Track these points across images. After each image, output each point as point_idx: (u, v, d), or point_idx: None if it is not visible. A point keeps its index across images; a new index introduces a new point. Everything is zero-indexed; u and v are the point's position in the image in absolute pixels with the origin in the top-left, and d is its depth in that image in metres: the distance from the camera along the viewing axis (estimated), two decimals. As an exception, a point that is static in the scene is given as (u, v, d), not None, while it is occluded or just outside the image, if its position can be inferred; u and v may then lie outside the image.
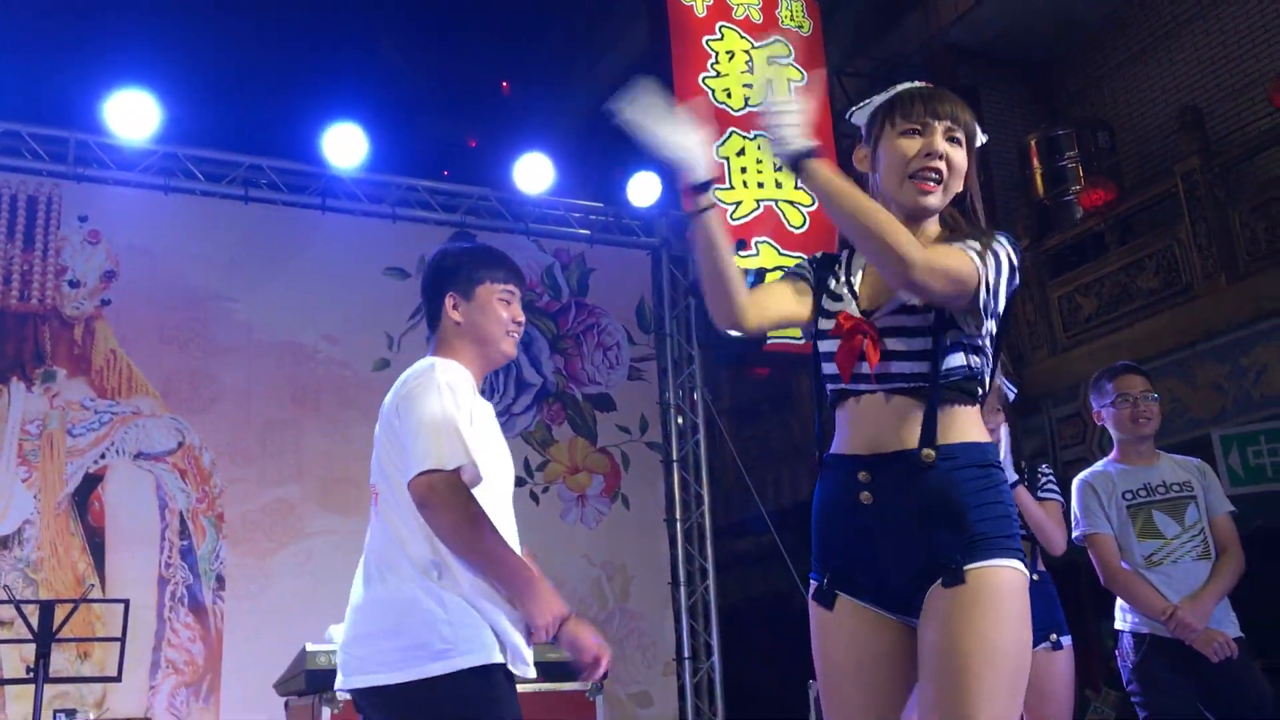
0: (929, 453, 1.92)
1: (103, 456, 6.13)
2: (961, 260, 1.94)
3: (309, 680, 3.74)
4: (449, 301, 2.54)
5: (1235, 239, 7.74)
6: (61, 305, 6.25)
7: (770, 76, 2.09)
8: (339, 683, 2.34)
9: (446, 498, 2.23)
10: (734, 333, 2.09)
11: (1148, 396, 3.68)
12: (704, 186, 1.99)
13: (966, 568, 1.87)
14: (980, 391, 2.02)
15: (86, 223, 6.40)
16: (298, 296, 6.79)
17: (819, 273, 2.16)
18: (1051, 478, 3.92)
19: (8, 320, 6.13)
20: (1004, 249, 2.00)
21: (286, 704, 4.33)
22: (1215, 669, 3.40)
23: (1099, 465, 3.80)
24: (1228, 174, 8.03)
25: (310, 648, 3.82)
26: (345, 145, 6.82)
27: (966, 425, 1.98)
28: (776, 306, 2.11)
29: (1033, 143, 9.90)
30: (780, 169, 1.99)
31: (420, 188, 7.31)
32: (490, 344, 2.55)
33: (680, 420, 7.71)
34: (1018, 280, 2.02)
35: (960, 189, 2.07)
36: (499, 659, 2.24)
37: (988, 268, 1.95)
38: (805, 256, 2.28)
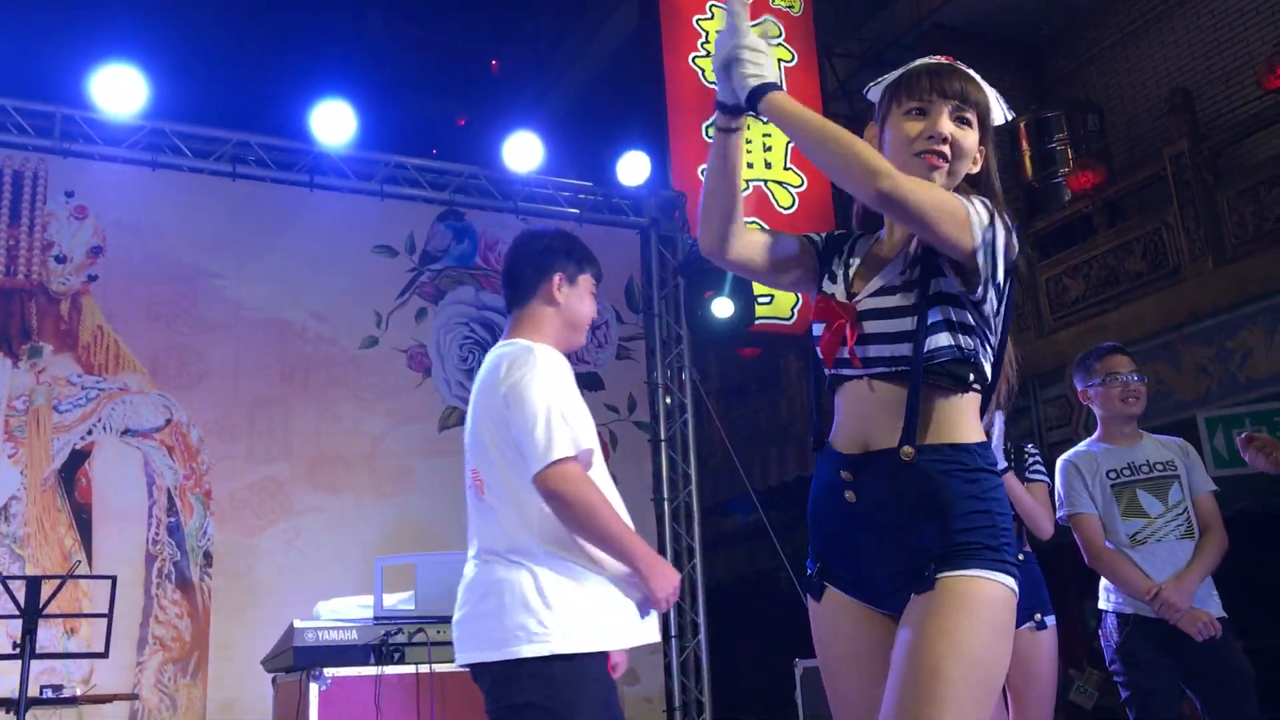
0: (908, 450, 1.83)
1: (90, 433, 6.11)
2: (943, 192, 1.85)
3: (297, 657, 3.75)
4: (557, 280, 2.65)
5: (1223, 222, 7.77)
6: (48, 280, 6.23)
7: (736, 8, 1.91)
8: (456, 658, 2.52)
9: (573, 488, 2.36)
10: (711, 257, 2.03)
11: (1136, 376, 3.70)
12: (746, 108, 1.91)
13: (940, 576, 1.78)
14: (974, 377, 1.89)
15: (73, 198, 6.37)
16: (286, 274, 6.77)
17: (827, 251, 2.08)
18: (1038, 459, 3.93)
19: (-7, 296, 6.11)
20: (999, 210, 1.90)
21: (274, 680, 4.34)
22: (1198, 649, 3.43)
23: (1082, 445, 3.82)
24: (1216, 157, 8.06)
25: (298, 624, 3.82)
26: (333, 122, 6.79)
27: (955, 420, 1.87)
28: (762, 251, 2.05)
29: (1022, 125, 9.91)
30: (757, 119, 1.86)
31: (409, 165, 7.27)
32: (578, 330, 2.70)
33: (668, 400, 7.72)
34: (1016, 248, 1.90)
35: (970, 172, 1.97)
36: (591, 648, 2.37)
37: (980, 213, 1.85)
38: (788, 234, 2.21)
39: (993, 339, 1.93)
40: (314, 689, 3.63)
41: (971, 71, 2.00)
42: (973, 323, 1.89)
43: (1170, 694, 3.50)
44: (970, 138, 1.95)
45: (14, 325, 6.10)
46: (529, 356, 2.48)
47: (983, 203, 1.88)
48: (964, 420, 1.88)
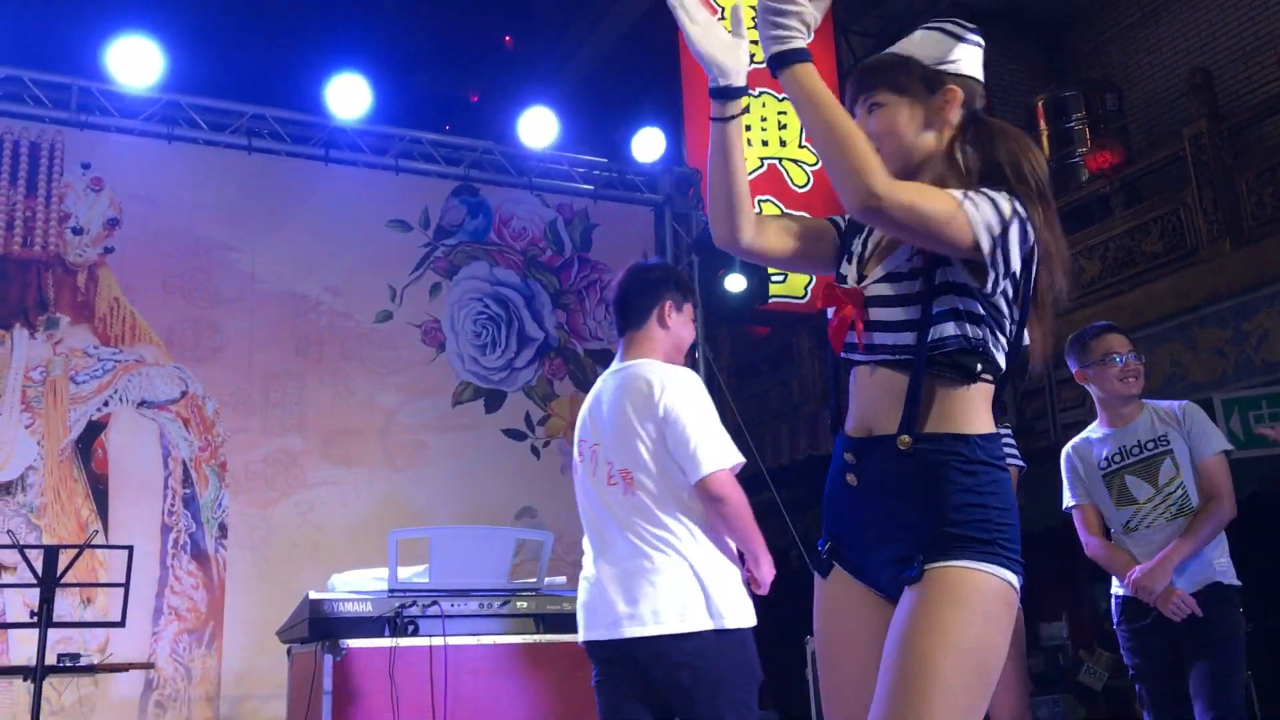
0: (905, 439, 1.82)
1: (106, 404, 6.15)
2: (935, 195, 1.79)
3: (312, 628, 3.77)
4: (668, 306, 3.01)
5: (1241, 204, 7.72)
6: (65, 252, 6.25)
7: None
8: (599, 634, 2.83)
9: (733, 492, 2.81)
10: (726, 249, 2.00)
11: (1133, 355, 3.63)
12: (736, 92, 1.90)
13: (928, 567, 1.77)
14: (982, 367, 1.84)
15: (89, 170, 6.38)
16: (300, 247, 6.79)
17: (849, 230, 2.05)
18: (1011, 442, 3.88)
19: (10, 266, 6.13)
20: (1002, 196, 1.82)
21: (289, 651, 4.37)
22: (1181, 627, 3.41)
23: (1085, 432, 3.80)
24: (1236, 138, 8.00)
25: (313, 596, 3.85)
26: (348, 96, 6.78)
27: (959, 410, 1.84)
28: (777, 237, 2.01)
29: (1040, 104, 9.85)
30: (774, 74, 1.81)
31: (424, 140, 7.27)
32: (681, 351, 3.05)
33: (681, 377, 7.72)
34: (1031, 236, 1.83)
35: (901, 145, 1.92)
36: (743, 624, 2.78)
37: (982, 209, 1.78)
38: (807, 216, 2.18)
39: (1008, 327, 1.88)
40: (329, 660, 3.66)
41: (894, 47, 1.96)
42: (982, 312, 1.85)
43: (1163, 672, 3.49)
44: (884, 117, 1.92)
45: (31, 296, 6.13)
46: (681, 378, 2.88)
47: (987, 195, 1.81)
48: (969, 410, 1.85)
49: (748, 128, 7.97)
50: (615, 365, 3.03)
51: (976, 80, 1.97)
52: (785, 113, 8.09)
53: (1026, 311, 1.90)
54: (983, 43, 1.99)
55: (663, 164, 7.73)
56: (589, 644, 2.91)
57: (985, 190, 1.83)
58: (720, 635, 2.74)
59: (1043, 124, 9.85)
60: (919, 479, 1.82)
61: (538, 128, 7.29)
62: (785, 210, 7.67)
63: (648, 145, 7.59)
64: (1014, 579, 1.80)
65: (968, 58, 1.95)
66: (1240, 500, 3.59)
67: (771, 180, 7.97)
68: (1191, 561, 3.45)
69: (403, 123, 7.30)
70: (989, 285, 1.82)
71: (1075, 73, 10.40)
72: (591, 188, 7.74)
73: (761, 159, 7.98)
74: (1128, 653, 3.61)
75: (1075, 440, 3.79)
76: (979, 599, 1.76)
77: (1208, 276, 7.77)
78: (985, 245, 1.77)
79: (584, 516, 3.01)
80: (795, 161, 8.19)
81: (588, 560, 2.97)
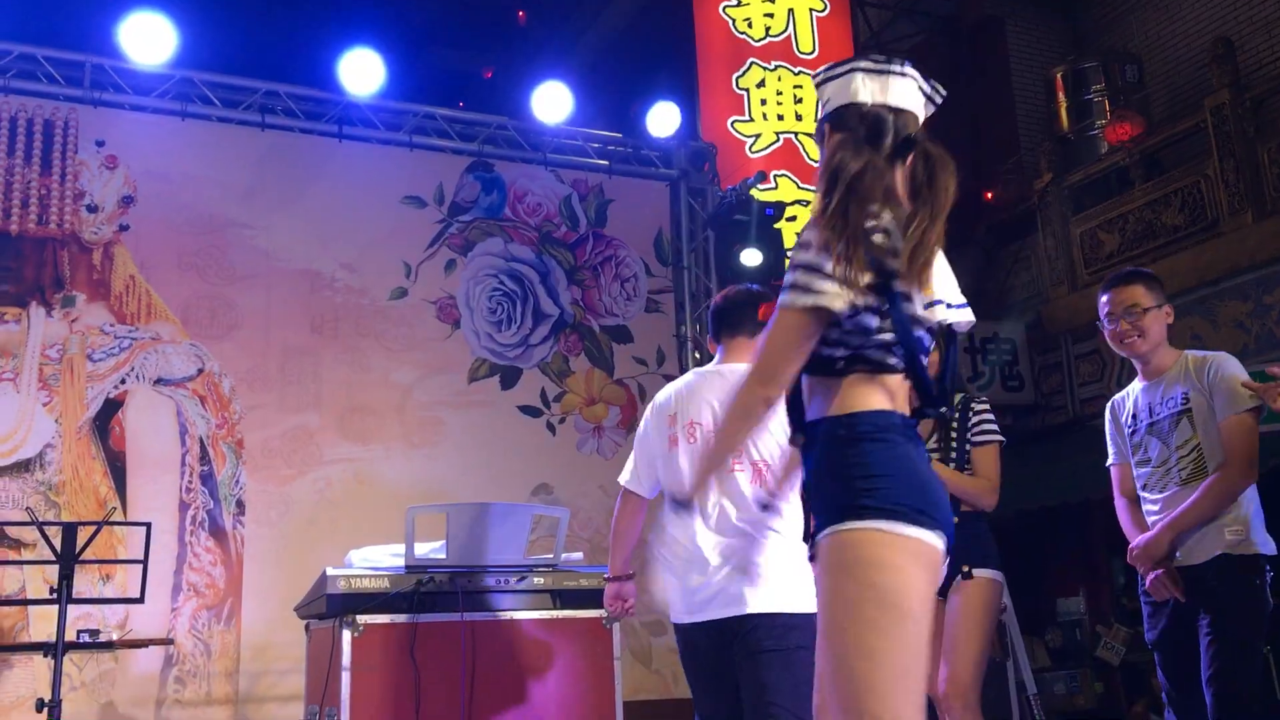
0: (798, 437, 2.13)
1: (123, 382, 6.17)
2: (772, 327, 2.00)
3: (329, 604, 3.78)
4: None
5: (1263, 175, 7.63)
6: (80, 230, 6.26)
7: None
8: (716, 613, 2.94)
9: None
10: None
11: (1130, 313, 3.41)
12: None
13: (817, 541, 1.99)
14: (844, 365, 2.00)
15: (104, 147, 6.38)
16: (315, 224, 6.78)
17: None
18: (988, 417, 3.68)
19: (26, 244, 6.14)
20: (802, 247, 2.00)
21: (307, 627, 4.39)
22: (1189, 600, 3.30)
23: (1129, 387, 3.65)
24: (1258, 109, 7.90)
25: (331, 572, 3.85)
26: (362, 71, 6.75)
27: (834, 399, 2.02)
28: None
29: (1058, 75, 9.74)
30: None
31: (438, 116, 7.24)
32: None
33: (697, 354, 7.70)
34: (867, 259, 1.95)
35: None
36: None
37: (794, 285, 1.96)
38: None
39: (883, 326, 1.99)
40: (347, 636, 3.67)
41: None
42: (836, 336, 1.99)
43: (1177, 646, 3.36)
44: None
45: (47, 274, 6.14)
46: None
47: (795, 262, 1.99)
48: (846, 397, 2.01)
49: (763, 101, 7.92)
50: (720, 364, 3.24)
51: (847, 105, 2.13)
52: (801, 86, 8.03)
53: (897, 300, 1.98)
54: (862, 65, 2.14)
55: (678, 138, 7.68)
56: (694, 624, 3.00)
57: (795, 253, 2.02)
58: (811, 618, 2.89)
59: (1061, 96, 9.75)
60: (809, 461, 2.08)
61: (552, 103, 7.25)
62: (800, 185, 7.62)
63: (662, 120, 7.54)
64: (891, 526, 1.91)
65: (841, 90, 2.14)
66: (1260, 474, 3.39)
67: (788, 155, 7.91)
68: (1201, 531, 3.29)
69: (416, 98, 7.28)
70: (848, 322, 1.98)
71: (1094, 43, 10.28)
72: (606, 163, 7.70)
73: (777, 133, 7.93)
74: (1148, 628, 3.53)
75: (1115, 396, 3.67)
76: (847, 552, 1.92)
77: (1229, 249, 7.70)
78: (825, 301, 1.93)
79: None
80: (812, 136, 8.13)
81: (682, 541, 2.98)
